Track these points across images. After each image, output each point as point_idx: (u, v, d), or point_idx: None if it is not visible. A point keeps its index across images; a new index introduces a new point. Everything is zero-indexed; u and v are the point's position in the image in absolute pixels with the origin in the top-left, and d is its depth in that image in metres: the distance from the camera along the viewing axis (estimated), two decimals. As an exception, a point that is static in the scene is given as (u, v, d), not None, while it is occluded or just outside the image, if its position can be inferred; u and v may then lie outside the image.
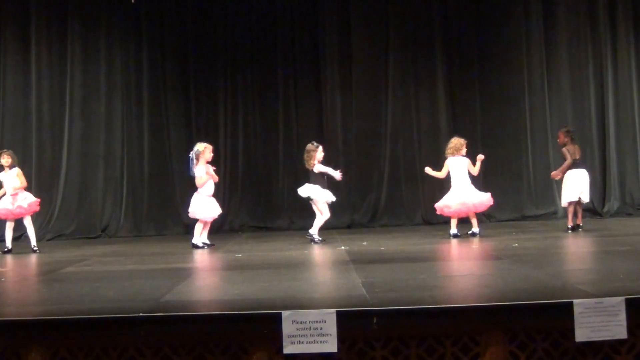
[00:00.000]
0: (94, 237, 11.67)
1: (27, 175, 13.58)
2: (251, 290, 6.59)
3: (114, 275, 8.49)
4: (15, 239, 11.05)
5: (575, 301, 4.81)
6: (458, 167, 10.80)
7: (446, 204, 10.80)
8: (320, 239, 10.64)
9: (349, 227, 13.44)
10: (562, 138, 11.39)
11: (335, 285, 6.35)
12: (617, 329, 4.78)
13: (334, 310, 4.79)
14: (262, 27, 14.25)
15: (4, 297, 6.34)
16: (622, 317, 4.78)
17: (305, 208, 14.08)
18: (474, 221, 10.82)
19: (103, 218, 13.62)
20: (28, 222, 10.82)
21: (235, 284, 7.21)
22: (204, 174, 10.46)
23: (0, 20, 13.87)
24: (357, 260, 8.56)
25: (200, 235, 10.53)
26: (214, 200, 10.68)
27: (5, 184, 10.80)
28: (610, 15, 14.36)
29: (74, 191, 13.52)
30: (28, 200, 10.78)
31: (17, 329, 4.92)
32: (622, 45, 14.34)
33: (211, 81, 14.12)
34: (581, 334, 4.76)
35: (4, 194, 10.75)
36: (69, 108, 13.75)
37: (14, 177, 10.76)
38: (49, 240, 13.07)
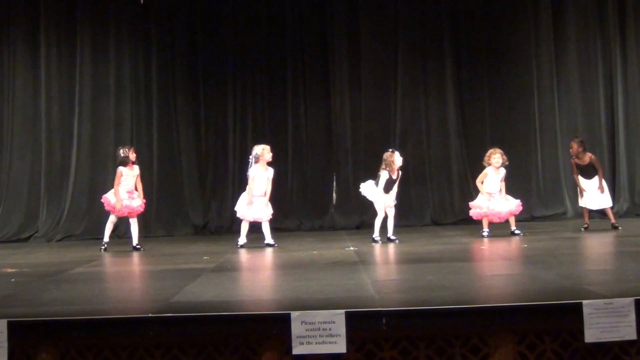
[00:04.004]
0: (100, 238, 11.69)
1: (36, 175, 13.72)
2: (260, 291, 6.61)
3: (123, 276, 8.52)
4: (100, 239, 11.00)
5: (584, 302, 4.80)
6: (493, 178, 10.98)
7: (478, 205, 11.06)
8: (377, 238, 10.55)
9: (358, 227, 13.44)
10: (575, 148, 11.38)
11: (344, 285, 6.34)
12: (626, 330, 4.77)
13: (343, 311, 4.80)
14: (271, 28, 14.26)
15: (14, 297, 6.36)
16: (632, 318, 4.77)
17: (314, 208, 14.12)
18: (512, 219, 11.02)
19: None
20: (133, 221, 10.72)
21: (245, 285, 7.23)
22: (256, 175, 10.48)
23: (10, 21, 13.93)
24: (366, 261, 8.57)
25: (244, 236, 10.52)
26: (262, 201, 10.53)
27: (126, 179, 10.65)
28: (620, 15, 14.32)
29: (83, 192, 13.55)
30: (138, 201, 10.72)
31: (27, 329, 4.93)
32: (632, 44, 14.30)
33: (220, 82, 14.14)
34: (590, 335, 4.75)
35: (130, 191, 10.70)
36: (78, 109, 13.79)
37: (134, 176, 10.72)
38: (58, 240, 13.12)
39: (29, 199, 13.72)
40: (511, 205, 10.94)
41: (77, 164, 13.66)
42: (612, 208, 11.66)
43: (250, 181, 10.53)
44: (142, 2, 12.84)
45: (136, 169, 10.76)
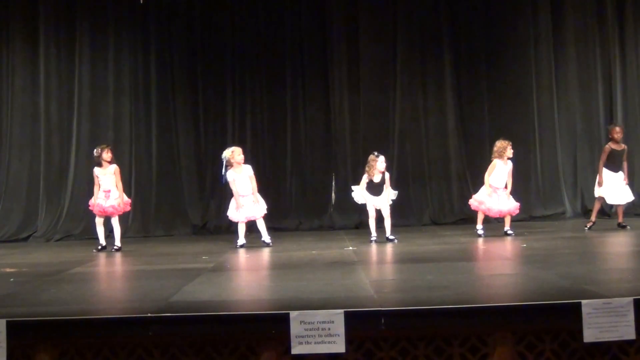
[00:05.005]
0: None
1: (35, 175, 13.71)
2: (259, 291, 6.61)
3: (122, 275, 8.53)
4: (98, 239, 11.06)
5: (583, 302, 4.80)
6: (501, 170, 10.88)
7: (481, 200, 10.97)
8: (373, 238, 10.55)
9: (356, 227, 13.43)
10: (621, 133, 11.37)
11: (343, 285, 6.35)
12: (625, 329, 4.77)
13: (341, 310, 4.80)
14: (270, 27, 14.24)
15: (13, 297, 6.36)
16: (631, 317, 4.77)
17: (313, 208, 14.11)
18: (507, 219, 10.96)
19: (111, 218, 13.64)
20: (115, 222, 10.70)
21: (244, 285, 7.24)
22: (235, 178, 10.51)
23: (9, 20, 13.91)
24: (365, 261, 8.57)
25: (242, 236, 10.53)
26: (248, 200, 10.54)
27: (101, 179, 10.67)
28: (619, 14, 14.32)
29: (82, 191, 13.50)
30: (119, 200, 10.67)
31: (26, 329, 4.93)
32: (630, 44, 14.30)
33: (219, 82, 14.13)
34: (589, 335, 4.75)
35: (99, 190, 10.69)
36: (77, 108, 13.77)
37: (112, 174, 10.68)
38: (57, 240, 13.10)
39: (28, 198, 13.70)
40: (509, 206, 10.90)
41: (76, 163, 13.65)
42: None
43: (232, 185, 10.57)
44: (141, 1, 12.83)
45: (111, 168, 10.71)
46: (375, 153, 10.74)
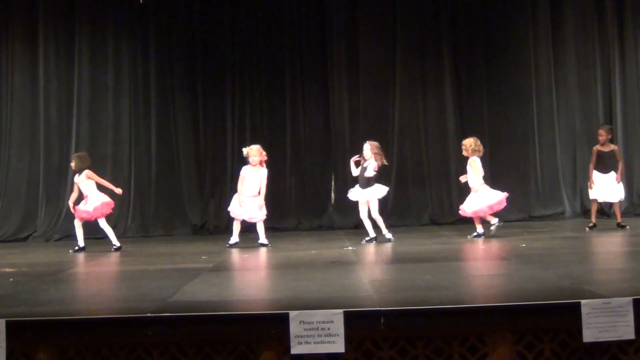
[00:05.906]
0: (102, 238, 11.68)
1: (35, 175, 13.69)
2: (259, 291, 6.61)
3: (121, 275, 8.53)
4: (100, 239, 11.16)
5: (582, 302, 4.80)
6: (469, 168, 10.85)
7: (463, 208, 10.90)
8: (368, 237, 10.55)
9: (356, 227, 13.42)
10: (605, 136, 11.37)
11: (342, 285, 6.35)
12: (624, 329, 4.77)
13: (341, 310, 4.80)
14: (270, 28, 14.25)
15: (12, 297, 6.36)
16: (630, 317, 4.77)
17: (312, 208, 14.11)
18: (489, 218, 10.83)
19: (110, 218, 13.60)
20: (103, 225, 10.65)
21: (243, 284, 7.24)
22: (246, 175, 10.49)
23: (8, 20, 13.91)
24: (364, 261, 8.57)
25: (236, 235, 10.54)
26: (253, 201, 10.48)
27: (79, 186, 10.62)
28: (618, 15, 14.32)
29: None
30: (94, 204, 10.56)
31: (25, 329, 4.93)
32: (630, 45, 14.30)
33: (218, 82, 14.13)
34: (589, 335, 4.75)
35: (79, 197, 10.71)
36: (77, 108, 13.76)
37: (86, 180, 10.57)
38: (57, 240, 13.09)
39: (28, 198, 13.70)
40: (487, 203, 10.68)
41: (76, 163, 13.64)
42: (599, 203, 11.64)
43: (239, 181, 10.54)
44: (141, 1, 12.83)
45: (83, 175, 10.60)
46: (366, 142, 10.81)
